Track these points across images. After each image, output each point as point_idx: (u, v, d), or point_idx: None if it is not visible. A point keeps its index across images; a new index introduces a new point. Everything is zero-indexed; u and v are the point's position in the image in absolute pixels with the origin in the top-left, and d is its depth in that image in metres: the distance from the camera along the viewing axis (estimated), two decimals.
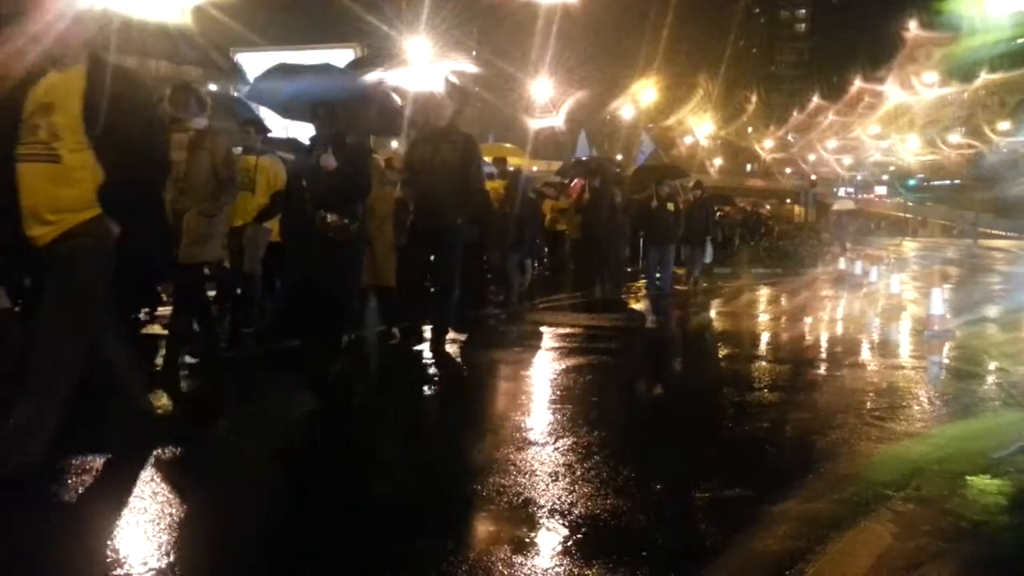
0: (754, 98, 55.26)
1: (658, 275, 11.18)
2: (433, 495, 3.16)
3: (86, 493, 3.09)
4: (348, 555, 2.64)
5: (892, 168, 59.48)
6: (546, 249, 12.66)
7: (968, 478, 3.36)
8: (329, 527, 2.88)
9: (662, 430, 4.29)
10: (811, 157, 54.61)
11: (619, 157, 26.45)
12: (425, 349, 6.09)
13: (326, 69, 5.99)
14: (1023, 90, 40.50)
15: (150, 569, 2.42)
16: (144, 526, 2.75)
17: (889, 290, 10.96)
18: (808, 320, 9.49)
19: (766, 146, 57.79)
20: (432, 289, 6.49)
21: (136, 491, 3.06)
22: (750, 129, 57.57)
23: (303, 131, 7.45)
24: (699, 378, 6.00)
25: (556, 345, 6.87)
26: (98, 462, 3.37)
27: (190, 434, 3.99)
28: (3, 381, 3.63)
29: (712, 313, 9.90)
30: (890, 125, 48.00)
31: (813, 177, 38.20)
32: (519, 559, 2.53)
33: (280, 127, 8.89)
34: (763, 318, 9.74)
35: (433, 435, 4.25)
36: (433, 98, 6.02)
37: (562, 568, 2.48)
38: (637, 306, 9.47)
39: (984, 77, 38.85)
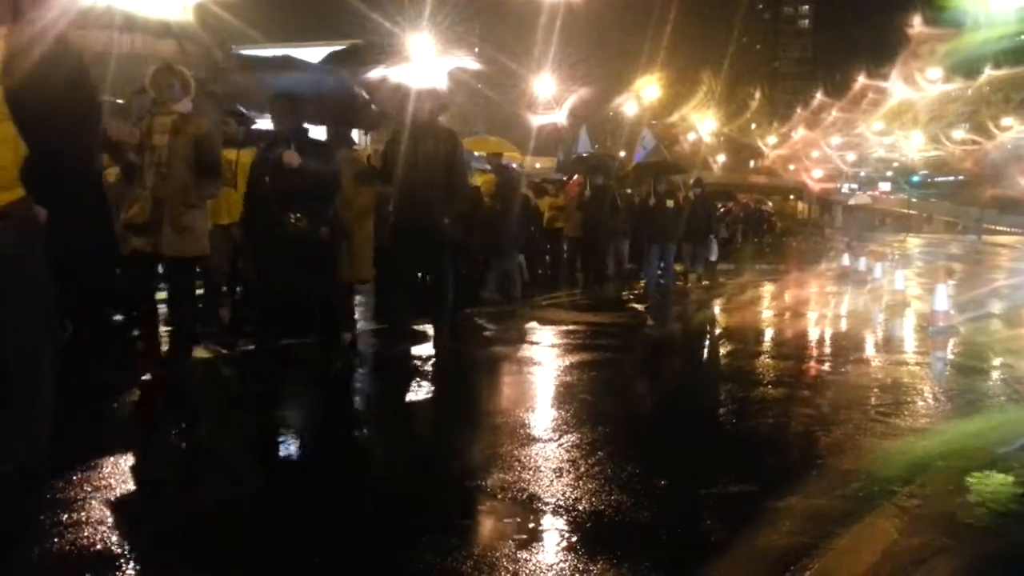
0: (757, 95, 55.13)
1: (660, 273, 11.00)
2: (437, 491, 3.16)
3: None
4: (353, 550, 2.64)
5: (896, 164, 59.28)
6: (548, 246, 12.58)
7: (973, 474, 3.35)
8: (334, 523, 2.88)
9: (666, 427, 4.29)
10: (814, 154, 54.49)
11: (622, 154, 26.40)
12: (420, 349, 6.00)
13: (285, 61, 5.71)
14: None
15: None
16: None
17: (893, 286, 10.93)
18: (812, 316, 9.47)
19: (769, 142, 57.65)
20: (428, 290, 6.28)
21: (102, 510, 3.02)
22: (753, 126, 57.45)
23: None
24: (702, 375, 6.00)
25: (556, 343, 6.86)
26: None
27: (189, 433, 3.99)
28: None
29: (715, 310, 9.89)
30: (894, 121, 47.83)
31: (816, 173, 38.19)
32: (523, 555, 2.53)
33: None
34: (766, 314, 9.73)
35: (437, 432, 4.25)
36: (413, 92, 5.72)
37: (567, 564, 2.48)
38: (637, 304, 9.42)
39: (988, 73, 38.67)
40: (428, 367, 5.70)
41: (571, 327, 7.60)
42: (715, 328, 8.53)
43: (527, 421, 4.15)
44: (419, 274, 6.47)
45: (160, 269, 5.38)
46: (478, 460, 3.52)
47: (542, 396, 4.92)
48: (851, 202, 35.24)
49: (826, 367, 6.07)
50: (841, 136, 53.38)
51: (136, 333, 5.93)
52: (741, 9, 65.02)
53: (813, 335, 7.94)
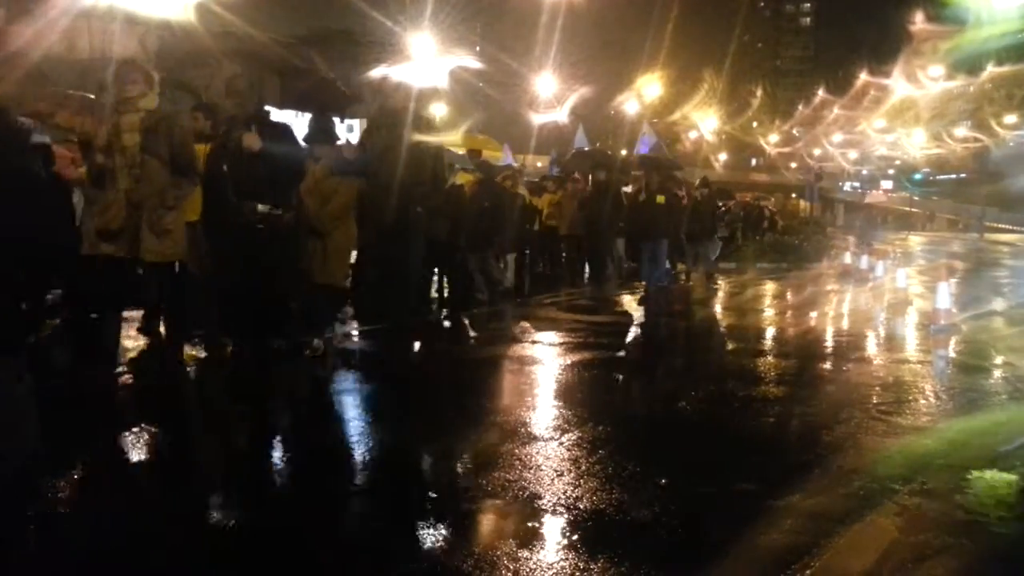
0: (759, 92, 55.01)
1: (658, 271, 10.56)
2: (438, 489, 3.16)
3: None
4: (353, 548, 2.65)
5: (898, 162, 59.17)
6: (544, 245, 12.38)
7: (974, 472, 3.35)
8: (333, 520, 2.89)
9: (666, 425, 4.28)
10: (816, 151, 54.40)
11: (623, 152, 26.39)
12: (400, 349, 5.80)
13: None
14: None
15: None
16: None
17: (895, 284, 10.92)
18: (813, 315, 9.46)
19: (771, 141, 57.56)
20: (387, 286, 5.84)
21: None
22: (755, 124, 57.34)
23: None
24: (703, 373, 5.99)
25: (554, 342, 6.86)
26: None
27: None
28: None
29: (715, 309, 9.88)
30: (896, 119, 47.71)
31: (818, 171, 38.12)
32: (524, 553, 2.54)
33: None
34: (768, 313, 9.71)
35: (435, 431, 4.24)
36: (389, 80, 5.62)
37: (567, 562, 2.49)
38: (635, 303, 9.37)
39: (991, 70, 38.57)
40: (418, 368, 5.70)
41: (567, 327, 7.59)
42: (715, 326, 8.53)
43: (527, 420, 4.15)
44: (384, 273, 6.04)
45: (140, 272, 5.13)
46: (478, 458, 3.52)
47: (539, 396, 4.91)
48: (867, 200, 35.93)
49: (827, 365, 6.07)
50: (843, 134, 53.28)
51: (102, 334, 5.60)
52: (743, 7, 65.03)
53: (814, 333, 7.93)
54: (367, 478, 3.43)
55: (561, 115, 25.22)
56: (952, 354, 6.55)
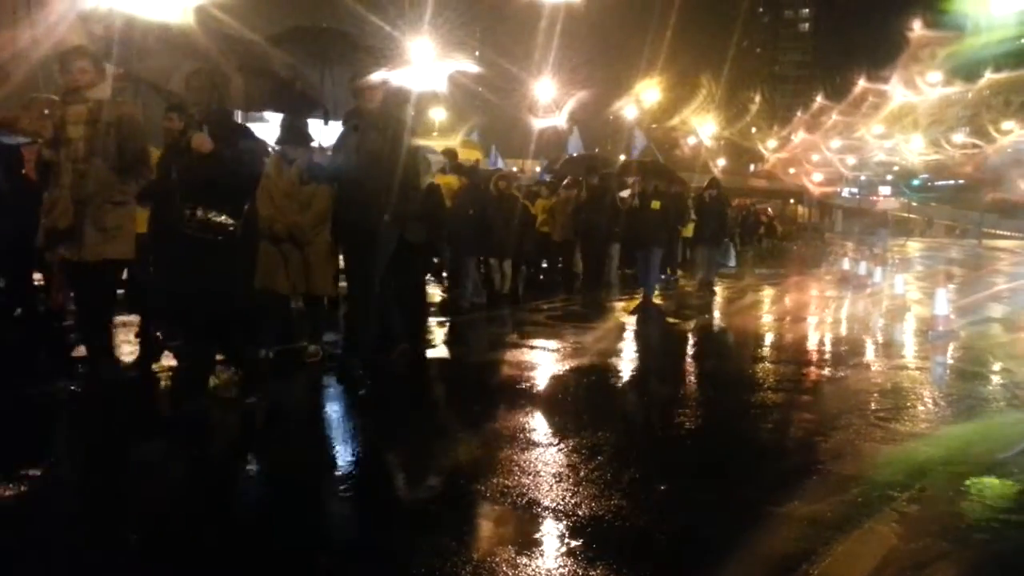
0: (757, 98, 55.18)
1: (653, 279, 10.06)
2: (436, 496, 3.16)
3: None
4: (352, 554, 2.64)
5: (896, 168, 59.29)
6: (538, 251, 12.12)
7: (973, 479, 3.35)
8: (333, 527, 2.88)
9: (665, 432, 4.28)
10: (815, 157, 54.52)
11: (622, 157, 26.43)
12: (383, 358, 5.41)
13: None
14: None
15: None
16: None
17: (893, 290, 10.93)
18: (812, 321, 9.47)
19: (769, 146, 57.70)
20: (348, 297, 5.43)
21: None
22: (754, 129, 57.49)
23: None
24: (702, 380, 5.99)
25: (551, 349, 6.86)
26: None
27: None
28: None
29: (713, 315, 9.86)
30: (894, 125, 47.85)
31: (816, 177, 38.27)
32: (523, 559, 2.53)
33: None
34: (766, 319, 9.72)
35: (430, 437, 4.24)
36: (363, 79, 4.99)
37: (566, 568, 2.48)
38: (629, 310, 9.21)
39: (989, 76, 38.72)
40: (409, 375, 5.67)
41: (562, 333, 7.59)
42: (712, 333, 8.53)
43: (526, 426, 4.14)
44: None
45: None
46: (477, 465, 3.51)
47: (532, 404, 4.89)
48: (879, 206, 36.23)
49: (826, 372, 6.07)
50: (841, 139, 53.41)
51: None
52: (741, 12, 65.15)
53: (813, 340, 7.93)
54: (362, 484, 3.42)
55: (560, 120, 25.28)
56: (950, 360, 6.56)
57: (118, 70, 5.20)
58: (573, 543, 2.67)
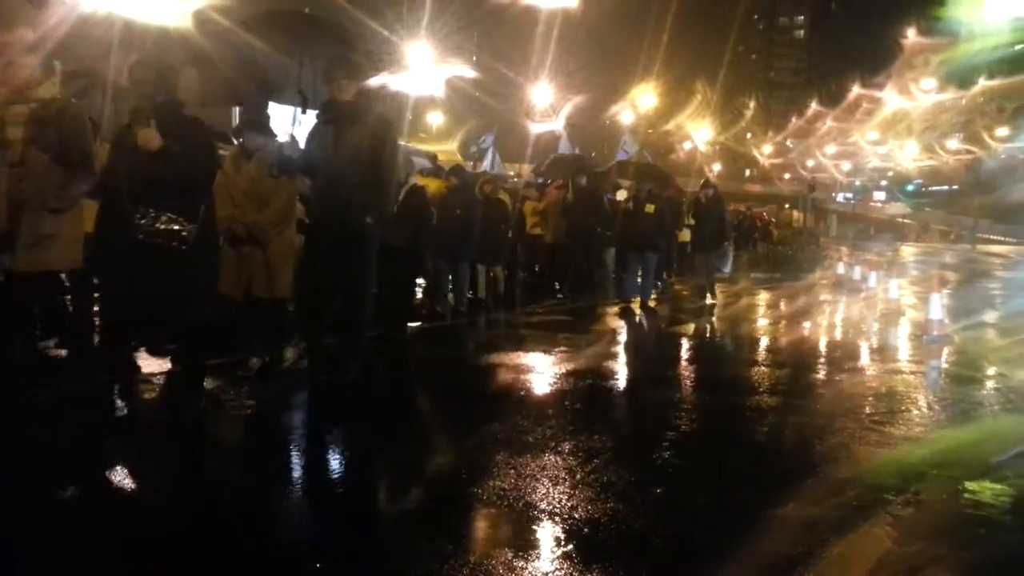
0: (753, 104, 55.38)
1: (647, 283, 9.93)
2: (432, 499, 3.16)
3: None
4: (349, 557, 2.64)
5: (890, 173, 59.56)
6: (526, 254, 11.67)
7: (967, 482, 3.37)
8: (330, 531, 2.88)
9: (660, 435, 4.29)
10: (810, 162, 54.72)
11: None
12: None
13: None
14: (1021, 96, 40.63)
15: None
16: None
17: (888, 295, 10.97)
18: (807, 325, 9.50)
19: (765, 151, 57.90)
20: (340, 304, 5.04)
21: None
22: (749, 135, 57.69)
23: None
24: (697, 384, 6.01)
25: (539, 355, 6.86)
26: None
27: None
28: None
29: (708, 320, 9.87)
30: (888, 131, 48.09)
31: (811, 182, 38.43)
32: (519, 562, 2.54)
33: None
34: (761, 323, 9.74)
35: (425, 441, 4.25)
36: (337, 70, 4.68)
37: (562, 572, 2.49)
38: (621, 314, 9.15)
39: (982, 83, 38.96)
40: (401, 381, 5.68)
41: (553, 337, 7.59)
42: (707, 337, 8.54)
43: (522, 429, 4.15)
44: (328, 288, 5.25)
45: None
46: (474, 468, 3.52)
47: (526, 408, 4.90)
48: (889, 211, 36.93)
49: (821, 376, 6.09)
50: (836, 145, 53.65)
51: None
52: (737, 19, 65.42)
53: (808, 344, 7.96)
54: (359, 487, 3.42)
55: (557, 125, 25.34)
56: (945, 365, 6.59)
57: (68, 67, 4.83)
58: (569, 546, 2.68)
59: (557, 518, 2.91)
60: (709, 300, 10.76)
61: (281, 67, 5.75)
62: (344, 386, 4.78)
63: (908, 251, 32.81)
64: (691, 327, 9.04)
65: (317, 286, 4.78)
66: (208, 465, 3.68)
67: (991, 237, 47.34)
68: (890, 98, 43.09)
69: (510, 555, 2.59)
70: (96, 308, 5.33)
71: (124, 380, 4.65)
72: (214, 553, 2.64)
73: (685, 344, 8.05)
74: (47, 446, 3.67)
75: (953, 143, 46.66)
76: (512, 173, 17.04)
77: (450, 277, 8.69)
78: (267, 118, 5.31)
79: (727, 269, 12.23)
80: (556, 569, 2.51)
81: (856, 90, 45.92)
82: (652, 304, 9.97)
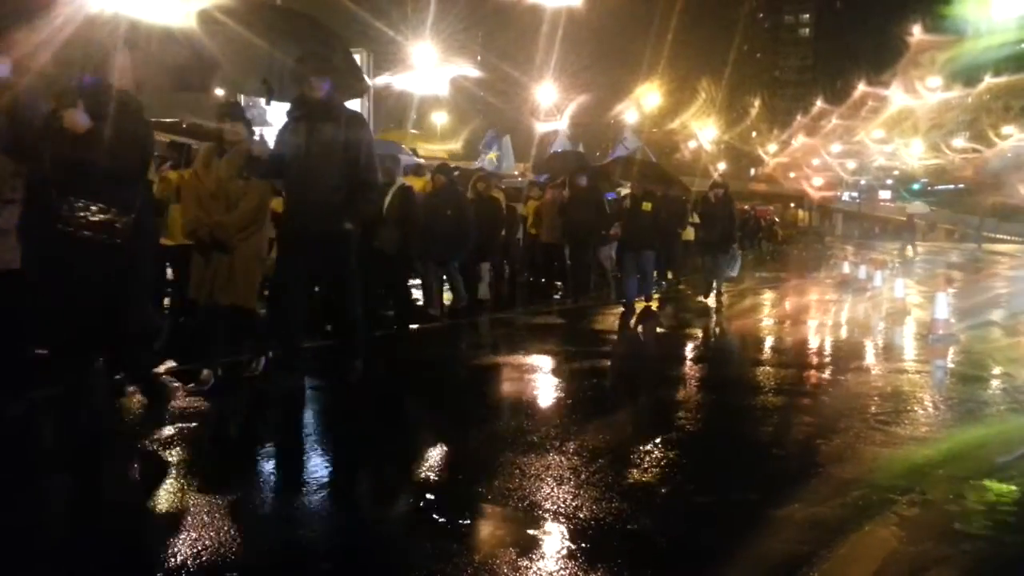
0: (757, 102, 55.34)
1: (645, 283, 9.57)
2: (436, 498, 3.17)
3: None
4: (353, 557, 2.65)
5: (896, 172, 59.41)
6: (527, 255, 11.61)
7: (973, 482, 3.36)
8: (334, 529, 2.89)
9: (665, 435, 4.29)
10: (815, 161, 54.61)
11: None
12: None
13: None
14: None
15: None
16: None
17: (893, 294, 10.94)
18: (812, 324, 9.47)
19: (770, 150, 57.79)
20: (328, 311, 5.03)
21: None
22: (754, 133, 57.62)
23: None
24: (701, 383, 6.00)
25: (539, 355, 6.86)
26: None
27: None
28: None
29: (711, 319, 9.85)
30: (894, 129, 47.97)
31: (816, 181, 38.40)
32: (524, 562, 2.55)
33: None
34: (766, 322, 9.72)
35: (428, 441, 4.25)
36: (303, 64, 4.46)
37: (567, 571, 2.49)
38: (617, 315, 9.03)
39: (988, 81, 38.83)
40: (397, 381, 5.69)
41: (554, 339, 7.59)
42: (712, 337, 8.53)
43: (525, 428, 4.16)
44: (314, 288, 5.24)
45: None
46: (477, 467, 3.53)
47: (522, 409, 4.91)
48: (908, 209, 37.23)
49: (826, 375, 6.08)
50: (841, 144, 53.52)
51: None
52: (742, 17, 65.34)
53: (813, 343, 7.94)
54: (360, 486, 3.43)
55: (561, 124, 25.34)
56: (950, 364, 6.57)
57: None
58: (574, 546, 2.68)
59: (562, 518, 2.91)
60: (713, 303, 10.51)
61: (246, 58, 5.37)
62: (347, 386, 4.76)
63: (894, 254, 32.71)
64: (694, 327, 9.03)
65: (289, 289, 4.61)
66: (207, 465, 3.70)
67: (997, 236, 47.16)
68: (896, 96, 42.99)
69: (514, 555, 2.59)
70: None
71: (82, 390, 4.17)
72: (214, 553, 2.66)
73: (688, 344, 8.04)
74: None
75: (959, 141, 46.51)
76: (517, 173, 17.00)
77: (444, 278, 8.59)
78: (240, 110, 5.02)
79: (735, 273, 11.78)
80: (561, 569, 2.51)
81: (861, 88, 45.80)
82: (654, 304, 9.90)
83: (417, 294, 8.86)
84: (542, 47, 26.87)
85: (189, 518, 2.86)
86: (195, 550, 2.59)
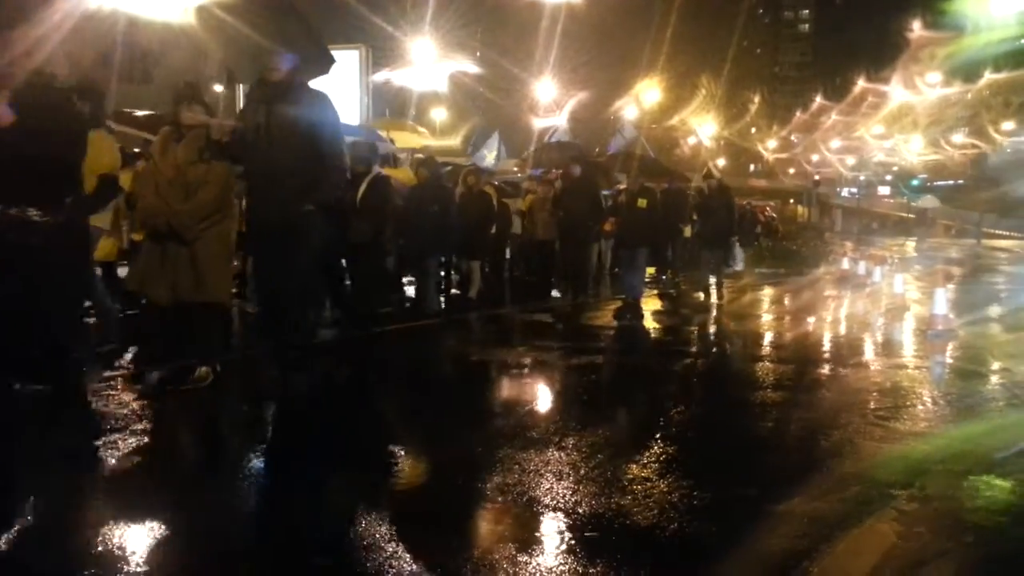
0: (757, 98, 55.29)
1: (638, 280, 9.14)
2: (437, 493, 3.17)
3: None
4: (354, 552, 2.65)
5: (895, 168, 59.41)
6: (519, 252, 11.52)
7: (972, 478, 3.36)
8: (333, 524, 2.90)
9: (664, 431, 4.29)
10: (814, 157, 54.60)
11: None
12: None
13: None
14: None
15: None
16: None
17: (892, 290, 10.94)
18: (811, 320, 9.48)
19: (769, 146, 57.77)
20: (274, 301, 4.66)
21: None
22: (753, 129, 57.58)
23: None
24: (701, 379, 6.00)
25: (536, 352, 6.86)
26: None
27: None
28: None
29: (710, 314, 9.84)
30: (893, 125, 47.97)
31: (816, 177, 38.40)
32: (524, 557, 2.55)
33: None
34: (766, 318, 9.73)
35: (427, 438, 4.25)
36: (262, 46, 4.28)
37: (566, 566, 2.50)
38: (612, 312, 8.93)
39: (988, 77, 38.82)
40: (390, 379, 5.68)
41: (547, 335, 7.58)
42: (711, 333, 8.53)
43: (523, 424, 4.16)
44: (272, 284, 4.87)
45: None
46: (477, 463, 3.53)
47: (516, 408, 4.91)
48: (918, 204, 37.25)
49: (825, 371, 6.08)
50: (841, 139, 53.51)
51: None
52: (741, 13, 65.17)
53: (812, 339, 7.95)
54: (363, 482, 3.43)
55: (560, 120, 25.33)
56: (949, 360, 6.57)
57: None
58: (574, 541, 2.68)
59: (561, 513, 2.91)
60: (714, 299, 10.35)
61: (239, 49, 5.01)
62: (290, 395, 4.39)
63: (911, 246, 32.70)
64: (693, 323, 9.02)
65: (267, 284, 4.42)
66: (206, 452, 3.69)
67: (997, 232, 47.17)
68: (895, 92, 42.97)
69: (514, 550, 2.60)
70: None
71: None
72: (216, 553, 2.66)
73: (687, 340, 8.04)
74: None
75: (959, 137, 46.50)
76: (515, 168, 16.99)
77: (441, 273, 8.51)
78: (199, 92, 4.77)
79: (739, 266, 11.57)
80: (560, 564, 2.51)
81: (861, 84, 45.76)
82: (654, 300, 9.86)
83: (411, 291, 8.85)
84: (541, 43, 26.84)
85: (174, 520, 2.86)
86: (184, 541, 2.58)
